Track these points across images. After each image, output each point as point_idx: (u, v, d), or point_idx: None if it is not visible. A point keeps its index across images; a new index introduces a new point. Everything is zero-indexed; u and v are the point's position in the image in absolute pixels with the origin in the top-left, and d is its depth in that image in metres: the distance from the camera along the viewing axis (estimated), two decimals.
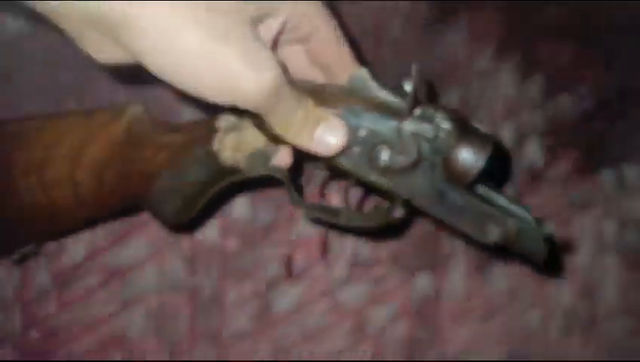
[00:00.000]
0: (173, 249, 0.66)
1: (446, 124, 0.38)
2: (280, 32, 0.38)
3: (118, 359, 0.66)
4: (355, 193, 0.52)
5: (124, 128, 0.44)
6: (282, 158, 0.42)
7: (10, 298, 0.64)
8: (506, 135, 0.72)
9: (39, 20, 0.36)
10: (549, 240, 0.41)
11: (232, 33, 0.33)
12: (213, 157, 0.42)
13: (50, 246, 0.64)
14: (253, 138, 0.41)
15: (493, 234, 0.40)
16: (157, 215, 0.47)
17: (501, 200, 0.41)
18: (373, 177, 0.40)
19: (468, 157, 0.38)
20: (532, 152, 0.73)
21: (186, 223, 0.49)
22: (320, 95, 0.38)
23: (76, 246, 0.65)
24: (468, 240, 0.45)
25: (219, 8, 0.32)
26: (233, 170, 0.43)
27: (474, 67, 0.71)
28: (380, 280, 0.70)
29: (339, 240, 0.69)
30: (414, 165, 0.39)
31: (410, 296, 0.71)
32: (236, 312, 0.68)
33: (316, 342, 0.69)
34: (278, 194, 0.67)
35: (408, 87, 0.37)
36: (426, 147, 0.39)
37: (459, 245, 0.71)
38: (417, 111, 0.39)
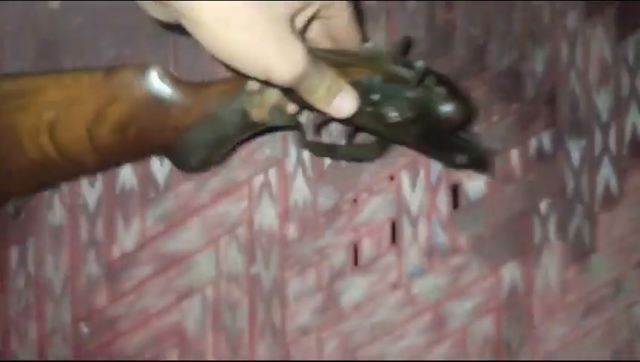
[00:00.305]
0: (229, 236, 0.61)
1: (439, 89, 0.49)
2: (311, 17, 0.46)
3: (174, 355, 0.61)
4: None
5: (148, 83, 0.48)
6: (292, 107, 0.51)
7: (60, 288, 0.61)
8: (602, 102, 0.63)
9: None
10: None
11: (273, 28, 0.40)
12: (245, 113, 0.50)
13: (100, 234, 0.61)
14: (271, 97, 0.50)
15: (460, 160, 0.53)
16: (180, 164, 0.53)
17: (464, 134, 0.54)
18: (380, 128, 0.50)
19: (453, 112, 0.49)
20: (633, 122, 0.63)
21: (207, 170, 0.57)
22: (342, 65, 0.47)
23: (126, 235, 0.61)
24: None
25: (267, 4, 0.39)
26: (258, 124, 0.51)
27: (561, 28, 0.63)
28: (460, 270, 0.62)
29: (411, 224, 0.62)
30: (413, 121, 0.49)
31: (496, 288, 0.62)
32: (299, 305, 0.62)
33: (388, 340, 0.62)
34: (339, 177, 0.61)
35: (419, 66, 0.47)
36: (424, 107, 0.49)
37: (551, 231, 0.62)
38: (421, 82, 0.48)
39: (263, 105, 0.50)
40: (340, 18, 0.47)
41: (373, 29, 0.61)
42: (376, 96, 0.48)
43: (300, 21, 0.44)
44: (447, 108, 0.49)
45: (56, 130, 0.49)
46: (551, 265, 0.62)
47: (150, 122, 0.49)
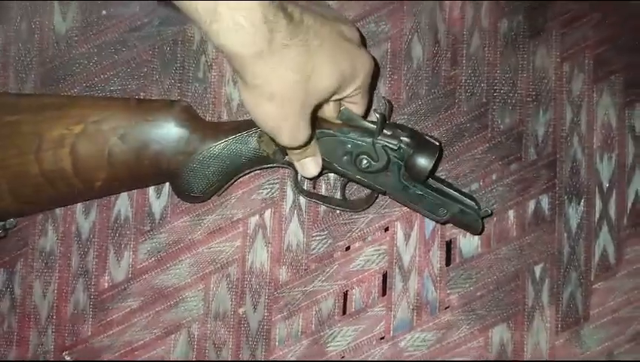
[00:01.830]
0: (220, 274, 0.62)
1: (405, 138, 0.55)
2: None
3: None
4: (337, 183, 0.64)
5: (174, 115, 0.55)
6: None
7: (45, 316, 0.61)
8: (604, 168, 0.63)
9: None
10: (483, 218, 0.59)
11: (298, 112, 0.47)
12: (255, 148, 0.56)
13: (90, 264, 0.61)
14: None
15: (444, 214, 0.57)
16: (182, 190, 0.58)
17: (448, 189, 0.58)
18: (359, 176, 0.57)
19: (422, 161, 0.55)
20: (636, 190, 0.63)
21: (204, 201, 0.61)
22: (322, 119, 0.56)
23: (117, 266, 0.61)
24: None
25: (298, 103, 0.46)
26: (266, 159, 0.57)
27: (566, 91, 0.63)
28: (449, 328, 0.62)
29: (402, 278, 0.62)
30: (385, 168, 0.56)
31: (484, 350, 0.62)
32: (284, 349, 0.62)
33: None
34: (334, 224, 0.62)
35: (378, 115, 0.55)
36: (392, 155, 0.56)
37: (544, 296, 0.62)
38: (386, 130, 0.56)
39: (270, 145, 0.56)
40: (358, 105, 0.54)
41: (377, 87, 0.62)
42: (348, 146, 0.56)
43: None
44: (414, 154, 0.55)
45: (79, 143, 0.54)
46: (541, 331, 0.62)
47: (167, 146, 0.55)
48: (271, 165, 0.58)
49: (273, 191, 0.62)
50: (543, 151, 0.63)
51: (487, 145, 0.63)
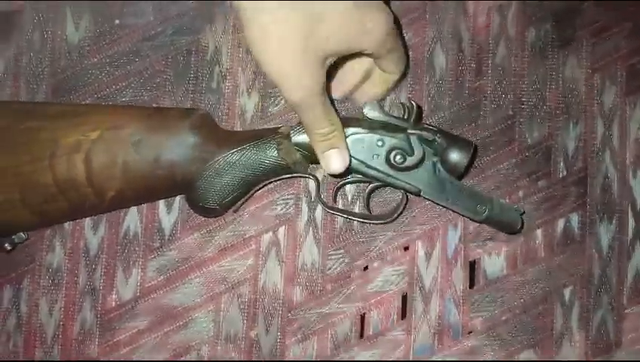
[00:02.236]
0: (231, 294, 0.59)
1: (438, 134, 0.53)
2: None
3: None
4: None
5: (191, 123, 0.54)
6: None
7: (51, 334, 0.59)
8: (638, 185, 0.59)
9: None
10: (522, 214, 0.56)
11: (299, 56, 0.45)
12: (276, 156, 0.54)
13: (98, 281, 0.59)
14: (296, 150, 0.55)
15: (483, 211, 0.54)
16: (197, 202, 0.56)
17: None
18: (392, 176, 0.54)
19: (457, 155, 0.53)
20: None
21: (220, 215, 0.58)
22: (350, 118, 0.54)
23: (125, 284, 0.59)
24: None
25: (307, 39, 0.45)
26: (285, 169, 0.55)
27: (597, 104, 0.60)
28: (472, 353, 0.59)
29: (423, 300, 0.59)
30: (420, 163, 0.54)
31: None
32: None
33: None
34: (351, 242, 0.59)
35: (411, 104, 0.53)
36: (427, 149, 0.53)
37: (573, 320, 0.58)
38: (416, 126, 0.54)
39: (290, 154, 0.54)
40: (389, 64, 0.52)
41: (397, 91, 0.60)
42: (378, 143, 0.53)
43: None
44: (449, 149, 0.53)
45: (94, 150, 0.53)
46: (571, 358, 0.59)
47: (183, 155, 0.54)
48: (291, 175, 0.56)
49: (288, 207, 0.60)
50: (572, 166, 0.60)
51: (514, 160, 0.60)
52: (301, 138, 0.53)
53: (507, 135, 0.60)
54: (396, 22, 0.49)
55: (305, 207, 0.60)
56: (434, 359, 0.59)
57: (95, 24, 0.61)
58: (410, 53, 0.60)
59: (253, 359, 0.59)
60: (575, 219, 0.60)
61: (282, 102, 0.60)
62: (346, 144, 0.52)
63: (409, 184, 0.53)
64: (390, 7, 0.48)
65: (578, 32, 0.61)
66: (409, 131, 0.52)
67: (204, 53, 0.61)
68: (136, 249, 0.60)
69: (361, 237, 0.60)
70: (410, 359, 0.59)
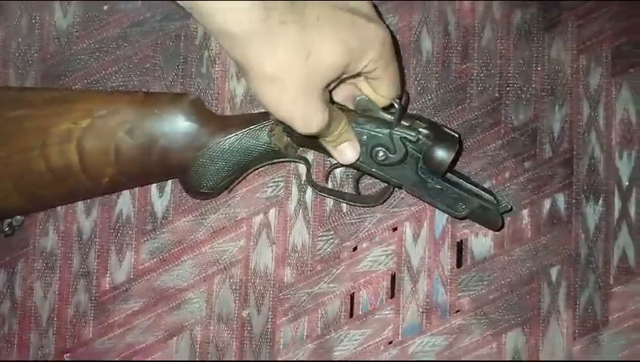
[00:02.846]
0: (223, 276, 0.60)
1: (424, 130, 0.54)
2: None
3: None
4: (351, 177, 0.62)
5: (182, 108, 0.54)
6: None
7: (46, 318, 0.60)
8: (623, 166, 0.60)
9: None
10: (503, 214, 0.57)
11: (304, 98, 0.45)
12: (268, 141, 0.55)
13: (91, 264, 0.60)
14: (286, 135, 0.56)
15: (462, 210, 0.55)
16: (191, 187, 0.57)
17: (466, 184, 0.56)
18: (374, 169, 0.55)
19: (441, 153, 0.53)
20: None
21: (214, 197, 0.59)
22: (338, 111, 0.52)
23: (118, 267, 0.60)
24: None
25: (303, 84, 0.44)
26: (277, 153, 0.56)
27: (583, 85, 0.61)
28: (460, 332, 0.60)
29: (411, 279, 0.60)
30: (402, 160, 0.54)
31: (497, 356, 0.60)
32: (289, 353, 0.60)
33: None
34: (341, 224, 0.60)
35: (397, 105, 0.53)
36: (410, 147, 0.54)
37: (560, 300, 0.59)
38: (404, 122, 0.54)
39: (281, 139, 0.55)
40: (382, 80, 0.50)
41: None
42: (364, 137, 0.54)
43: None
44: (434, 146, 0.53)
45: (86, 138, 0.53)
46: (558, 337, 0.60)
47: (176, 140, 0.54)
48: (283, 160, 0.57)
49: (278, 189, 0.61)
50: (558, 148, 0.61)
51: (500, 141, 0.61)
52: (289, 131, 0.54)
53: (493, 117, 0.61)
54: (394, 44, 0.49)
55: (295, 190, 0.61)
56: (428, 359, 0.60)
57: (84, 9, 0.61)
58: (397, 37, 0.61)
59: (245, 338, 0.60)
60: (561, 199, 0.61)
61: None
62: (354, 136, 0.53)
63: (391, 179, 0.55)
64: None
65: (564, 14, 0.61)
66: (393, 131, 0.53)
67: (193, 38, 0.61)
68: (130, 232, 0.61)
69: (350, 218, 0.61)
70: (399, 339, 0.60)
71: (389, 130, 0.53)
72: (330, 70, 0.45)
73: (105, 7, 0.61)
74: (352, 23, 0.45)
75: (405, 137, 0.53)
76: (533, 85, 0.61)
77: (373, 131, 0.53)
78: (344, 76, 0.47)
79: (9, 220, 0.58)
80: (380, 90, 0.51)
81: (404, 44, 0.61)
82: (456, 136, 0.54)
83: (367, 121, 0.53)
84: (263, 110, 0.59)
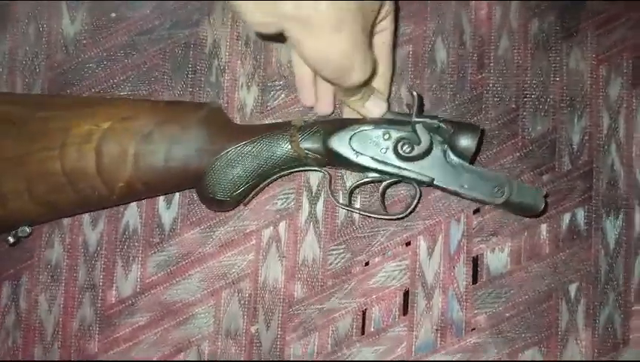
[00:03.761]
0: (231, 290, 0.59)
1: (442, 120, 0.53)
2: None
3: None
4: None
5: (203, 116, 0.54)
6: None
7: (51, 332, 0.59)
8: None
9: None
10: (546, 196, 0.55)
11: (365, 40, 0.45)
12: (288, 149, 0.54)
13: (97, 277, 0.58)
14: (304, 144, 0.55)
15: (501, 194, 0.53)
16: (207, 195, 0.55)
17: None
18: (403, 169, 0.53)
19: (466, 138, 0.52)
20: None
21: (230, 208, 0.58)
22: (350, 119, 0.54)
23: (125, 280, 0.58)
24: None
25: (360, 26, 0.45)
26: (297, 161, 0.55)
27: (603, 96, 0.59)
28: (475, 351, 0.58)
29: (425, 296, 0.58)
30: (429, 150, 0.53)
31: None
32: None
33: None
34: (352, 237, 0.59)
35: (414, 95, 0.53)
36: (434, 136, 0.53)
37: (579, 318, 0.57)
38: (420, 115, 0.54)
39: (299, 146, 0.54)
40: (389, 31, 0.53)
41: (397, 85, 0.59)
42: (385, 137, 0.53)
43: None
44: (460, 139, 0.52)
45: (105, 140, 0.53)
46: (576, 356, 0.59)
47: (194, 147, 0.54)
48: (303, 168, 0.56)
49: (288, 201, 0.59)
50: (578, 160, 0.59)
51: (518, 154, 0.59)
52: (309, 143, 0.53)
53: (510, 128, 0.60)
54: None
55: (305, 202, 0.59)
56: (431, 359, 0.58)
57: (91, 17, 0.61)
58: (411, 46, 0.60)
59: (254, 354, 0.58)
60: (581, 214, 0.59)
61: (282, 95, 0.60)
62: (374, 87, 0.53)
63: (421, 174, 0.53)
64: None
65: (582, 23, 0.60)
66: (413, 120, 0.52)
67: (203, 46, 0.60)
68: (136, 244, 0.60)
69: (362, 232, 0.59)
70: (412, 357, 0.58)
71: (409, 123, 0.52)
72: (376, 8, 0.47)
73: (113, 15, 0.60)
74: None
75: (427, 124, 0.52)
76: (552, 96, 0.60)
77: (394, 127, 0.53)
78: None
79: (14, 231, 0.57)
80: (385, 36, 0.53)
81: (418, 54, 0.60)
82: (477, 124, 0.54)
83: (385, 120, 0.53)
84: (281, 120, 0.59)
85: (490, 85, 0.60)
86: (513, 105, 0.60)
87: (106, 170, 0.53)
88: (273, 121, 0.59)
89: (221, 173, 0.54)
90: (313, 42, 0.43)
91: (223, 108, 0.56)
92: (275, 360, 0.58)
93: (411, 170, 0.53)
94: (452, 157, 0.53)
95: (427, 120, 0.52)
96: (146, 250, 0.60)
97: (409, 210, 0.56)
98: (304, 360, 0.58)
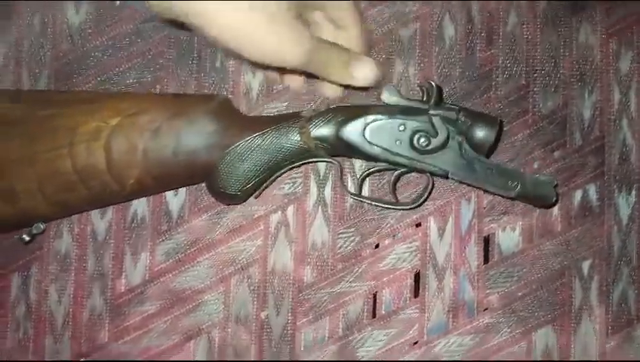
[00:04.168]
0: (240, 276, 0.58)
1: (461, 112, 0.52)
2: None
3: None
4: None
5: (211, 109, 0.53)
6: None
7: (61, 322, 0.59)
8: None
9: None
10: (556, 186, 0.54)
11: (286, 15, 0.44)
12: (298, 140, 0.53)
13: (106, 267, 0.58)
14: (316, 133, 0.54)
15: (514, 187, 0.52)
16: (217, 188, 0.55)
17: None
18: (417, 159, 0.52)
19: (483, 131, 0.52)
20: None
21: (241, 201, 0.57)
22: (368, 106, 0.53)
23: (134, 268, 0.58)
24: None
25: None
26: (308, 153, 0.54)
27: (613, 70, 0.58)
28: (488, 331, 0.58)
29: (437, 277, 0.57)
30: (445, 143, 0.52)
31: (527, 355, 0.58)
32: (310, 355, 0.58)
33: None
34: (361, 220, 0.58)
35: (430, 86, 0.52)
36: (451, 129, 0.52)
37: (593, 295, 0.56)
38: (437, 106, 0.52)
39: (312, 138, 0.53)
40: (349, 29, 0.51)
41: (404, 64, 0.58)
42: (400, 128, 0.52)
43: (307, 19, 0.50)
44: (477, 131, 0.51)
45: (114, 136, 0.52)
46: (590, 333, 0.58)
47: (203, 140, 0.53)
48: (314, 160, 0.55)
49: (296, 186, 0.59)
50: (589, 136, 0.58)
51: (528, 130, 0.59)
52: (320, 132, 0.52)
53: (520, 105, 0.59)
54: None
55: (313, 186, 0.59)
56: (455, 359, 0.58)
57: (96, 6, 0.60)
58: (418, 24, 0.60)
59: (264, 340, 0.58)
60: (593, 190, 0.58)
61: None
62: (362, 53, 0.51)
63: (436, 167, 0.52)
64: None
65: None
66: (431, 112, 0.51)
67: None
68: (144, 233, 0.60)
69: (371, 215, 0.59)
70: (425, 339, 0.57)
71: (426, 114, 0.51)
72: None
73: (117, 4, 0.60)
74: None
75: (444, 116, 0.51)
76: (562, 71, 0.59)
77: (410, 118, 0.51)
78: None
79: (29, 228, 0.56)
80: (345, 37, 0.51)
81: (425, 32, 0.59)
82: (496, 116, 0.53)
83: (400, 110, 0.51)
84: (289, 110, 0.58)
85: (500, 62, 0.59)
86: (523, 82, 0.59)
87: (116, 167, 0.52)
88: (282, 113, 0.58)
89: (231, 167, 0.53)
90: (227, 28, 0.43)
91: (230, 100, 0.55)
92: (286, 345, 0.58)
93: (426, 162, 0.52)
94: (468, 150, 0.52)
95: (445, 112, 0.51)
96: (154, 238, 0.59)
97: (421, 200, 0.56)
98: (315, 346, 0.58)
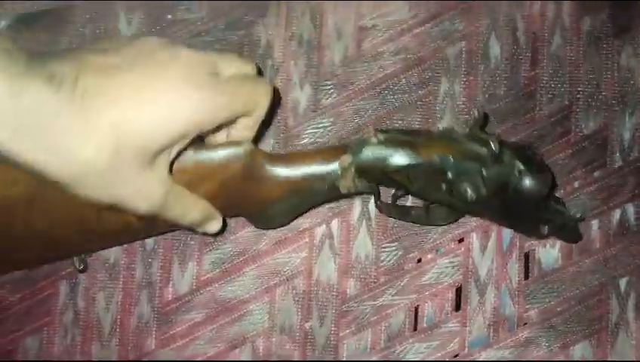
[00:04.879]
0: (285, 287, 0.59)
1: (518, 164, 0.48)
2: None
3: None
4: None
5: (240, 167, 0.50)
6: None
7: (108, 329, 0.59)
8: None
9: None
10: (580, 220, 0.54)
11: (124, 173, 0.41)
12: (335, 186, 0.51)
13: (154, 275, 0.59)
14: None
15: (544, 231, 0.53)
16: (260, 226, 0.57)
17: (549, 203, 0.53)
18: (453, 203, 0.50)
19: (534, 187, 0.49)
20: None
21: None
22: (414, 145, 0.49)
23: (181, 278, 0.59)
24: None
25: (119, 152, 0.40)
26: (346, 195, 0.53)
27: None
28: (528, 345, 0.59)
29: (478, 291, 0.59)
30: (489, 198, 0.49)
31: None
32: None
33: None
34: (405, 235, 0.59)
35: (492, 142, 0.48)
36: (501, 182, 0.49)
37: (630, 312, 0.58)
38: (495, 163, 0.49)
39: (348, 178, 0.51)
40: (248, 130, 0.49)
41: (450, 83, 0.59)
42: (449, 175, 0.49)
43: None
44: (526, 182, 0.49)
45: None
46: (627, 349, 0.59)
47: (238, 196, 0.51)
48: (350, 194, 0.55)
49: (340, 199, 0.59)
50: (628, 156, 0.60)
51: (570, 150, 0.60)
52: (362, 183, 0.51)
53: (563, 125, 0.60)
54: None
55: (357, 200, 0.60)
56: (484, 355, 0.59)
57: (147, 19, 0.61)
58: (464, 43, 0.61)
59: (308, 350, 0.59)
60: (631, 209, 0.60)
61: (334, 94, 0.60)
62: (217, 213, 0.49)
63: (471, 211, 0.53)
64: None
65: (634, 20, 0.60)
66: (488, 170, 0.48)
67: (257, 47, 0.61)
68: (192, 243, 0.61)
69: (414, 229, 0.60)
70: (466, 352, 0.59)
71: (479, 167, 0.48)
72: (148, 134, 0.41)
73: (169, 17, 0.61)
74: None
75: (497, 174, 0.48)
76: (603, 93, 0.60)
77: (461, 167, 0.48)
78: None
79: (81, 256, 0.56)
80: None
81: (471, 51, 0.61)
82: (548, 167, 0.50)
83: (454, 155, 0.48)
84: (333, 145, 0.58)
85: (544, 82, 0.60)
86: (566, 102, 0.61)
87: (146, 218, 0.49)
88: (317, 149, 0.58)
89: (267, 219, 0.54)
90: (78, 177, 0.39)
91: (259, 150, 0.50)
92: (329, 355, 0.59)
93: (459, 206, 0.51)
94: (512, 201, 0.49)
95: (501, 173, 0.48)
96: (201, 248, 0.61)
97: (458, 217, 0.56)
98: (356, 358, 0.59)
